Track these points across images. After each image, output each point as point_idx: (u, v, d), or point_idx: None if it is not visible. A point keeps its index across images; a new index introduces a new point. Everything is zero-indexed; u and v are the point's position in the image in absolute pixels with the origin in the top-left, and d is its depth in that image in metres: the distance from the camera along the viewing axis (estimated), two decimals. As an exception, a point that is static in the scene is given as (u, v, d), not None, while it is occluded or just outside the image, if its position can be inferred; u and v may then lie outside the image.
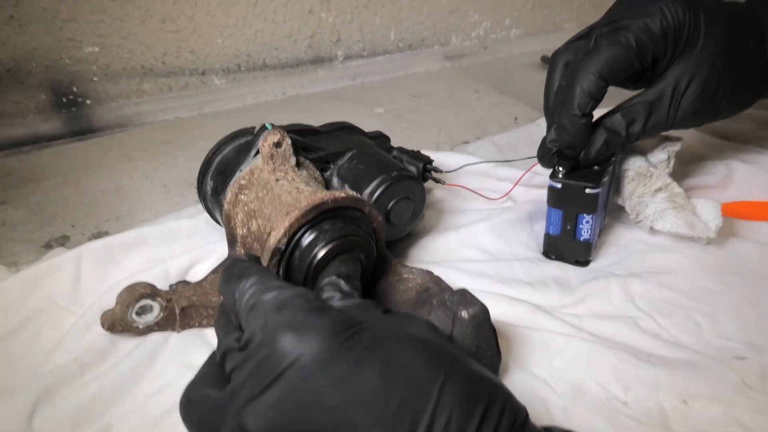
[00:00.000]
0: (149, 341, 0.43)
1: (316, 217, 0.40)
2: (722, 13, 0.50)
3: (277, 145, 0.45)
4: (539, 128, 0.84)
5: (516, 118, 0.93)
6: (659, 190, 0.54)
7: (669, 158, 0.56)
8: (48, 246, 0.61)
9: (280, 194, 0.43)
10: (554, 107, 0.50)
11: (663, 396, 0.40)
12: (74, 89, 0.89)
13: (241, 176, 0.45)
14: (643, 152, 0.57)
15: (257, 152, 0.46)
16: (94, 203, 0.68)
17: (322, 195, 0.40)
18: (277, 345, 0.27)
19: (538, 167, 0.56)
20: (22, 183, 0.74)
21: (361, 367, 0.26)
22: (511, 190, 0.62)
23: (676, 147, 0.56)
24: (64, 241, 0.62)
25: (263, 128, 0.47)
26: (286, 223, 0.39)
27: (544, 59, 1.17)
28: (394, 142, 0.83)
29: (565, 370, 0.42)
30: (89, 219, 0.65)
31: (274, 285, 0.31)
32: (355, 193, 0.42)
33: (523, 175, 0.62)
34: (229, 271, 0.34)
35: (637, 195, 0.54)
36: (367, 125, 0.89)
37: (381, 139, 0.59)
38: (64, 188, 0.72)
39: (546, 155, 0.52)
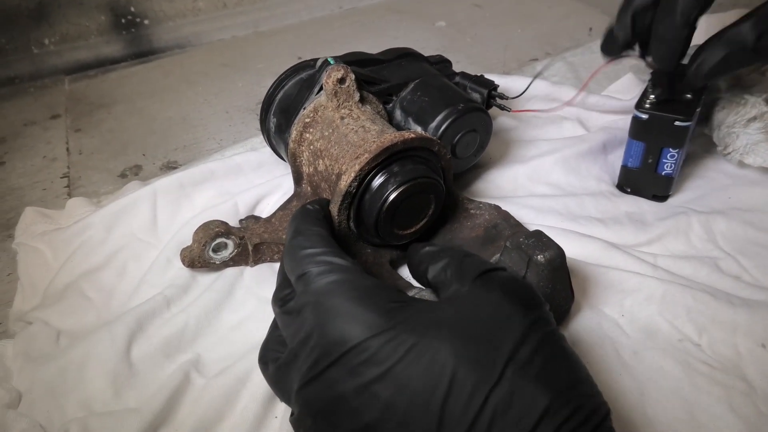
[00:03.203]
0: (226, 275, 0.45)
1: (386, 159, 0.39)
2: None
3: (341, 81, 0.43)
4: (616, 41, 0.77)
5: (591, 29, 0.85)
6: (753, 119, 0.49)
7: (769, 82, 0.50)
8: (123, 175, 0.63)
9: (346, 133, 0.43)
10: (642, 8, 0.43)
11: (740, 339, 0.39)
12: (132, 9, 0.88)
13: (305, 114, 0.45)
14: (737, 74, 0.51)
15: (320, 89, 0.44)
16: (161, 132, 0.70)
17: (391, 136, 0.39)
18: (327, 331, 0.28)
19: (612, 86, 0.51)
20: (93, 109, 0.76)
21: (401, 358, 0.27)
22: (574, 99, 0.58)
23: (778, 69, 0.50)
24: (137, 171, 0.64)
25: (326, 63, 0.45)
26: (357, 167, 0.38)
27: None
28: (458, 61, 0.79)
29: (636, 311, 0.42)
30: (158, 148, 0.67)
31: (333, 264, 0.32)
32: (423, 133, 0.41)
33: (590, 78, 0.56)
34: (299, 229, 0.35)
35: (728, 125, 0.50)
36: (429, 42, 0.85)
37: (443, 64, 0.56)
38: (131, 115, 0.74)
39: (610, 45, 0.46)
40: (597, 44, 0.77)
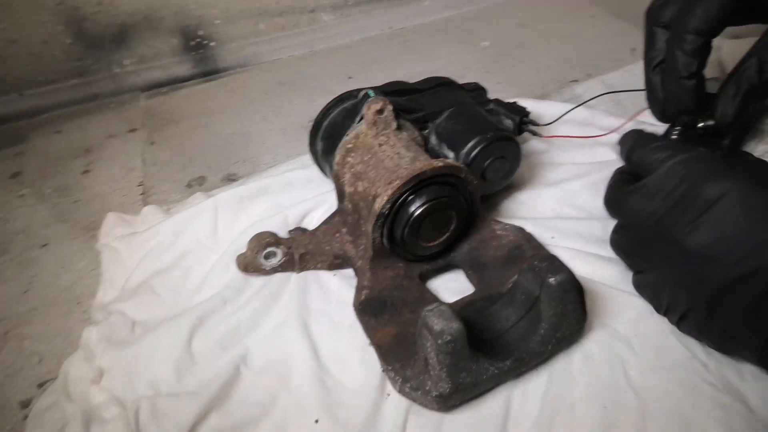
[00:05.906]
0: (274, 280, 0.51)
1: (417, 184, 0.44)
2: None
3: (380, 111, 0.48)
4: (657, 64, 0.78)
5: (633, 50, 0.86)
6: (780, 149, 0.50)
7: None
8: (189, 185, 0.71)
9: (383, 159, 0.48)
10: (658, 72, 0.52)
11: (746, 364, 0.41)
12: (200, 32, 0.97)
13: (347, 140, 0.50)
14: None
15: (361, 118, 0.50)
16: (224, 146, 0.77)
17: (421, 165, 0.44)
18: (703, 187, 0.37)
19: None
20: (164, 125, 0.84)
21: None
22: (619, 128, 0.61)
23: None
24: (201, 182, 0.72)
25: (366, 96, 0.50)
26: (390, 191, 0.43)
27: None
28: (499, 82, 0.83)
29: (650, 331, 0.44)
30: (221, 162, 0.74)
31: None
32: (451, 161, 0.45)
33: (634, 117, 0.60)
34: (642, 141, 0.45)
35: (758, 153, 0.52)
36: (472, 62, 0.89)
37: (478, 92, 0.60)
38: (198, 130, 0.82)
39: (655, 105, 0.53)
40: (638, 66, 0.79)
